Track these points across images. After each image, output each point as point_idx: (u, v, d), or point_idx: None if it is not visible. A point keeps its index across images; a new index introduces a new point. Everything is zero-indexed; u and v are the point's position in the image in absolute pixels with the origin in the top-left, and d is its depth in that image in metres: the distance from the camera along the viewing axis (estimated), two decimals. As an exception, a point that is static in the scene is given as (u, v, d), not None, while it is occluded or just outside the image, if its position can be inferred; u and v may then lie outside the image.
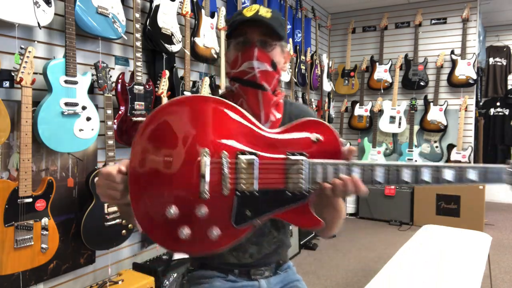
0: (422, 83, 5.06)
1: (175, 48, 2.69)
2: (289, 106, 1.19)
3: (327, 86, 5.26)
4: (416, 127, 5.10)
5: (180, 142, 0.90)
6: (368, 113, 5.38)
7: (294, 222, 0.95)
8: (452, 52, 4.90)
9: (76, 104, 2.04)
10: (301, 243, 3.93)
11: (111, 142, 2.20)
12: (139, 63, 2.40)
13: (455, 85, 4.89)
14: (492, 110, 6.21)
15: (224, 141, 0.91)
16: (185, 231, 0.89)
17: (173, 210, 0.88)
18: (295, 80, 4.47)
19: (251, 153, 0.92)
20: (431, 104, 4.99)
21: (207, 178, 0.87)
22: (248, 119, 0.95)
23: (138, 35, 2.42)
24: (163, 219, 0.89)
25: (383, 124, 5.20)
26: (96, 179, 1.06)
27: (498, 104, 6.18)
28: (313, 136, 0.94)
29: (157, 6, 2.57)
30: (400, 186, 4.88)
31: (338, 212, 1.05)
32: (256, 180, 0.90)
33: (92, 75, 2.15)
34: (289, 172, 0.91)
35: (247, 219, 0.91)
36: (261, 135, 0.94)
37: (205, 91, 2.91)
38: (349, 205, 5.27)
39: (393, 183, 0.90)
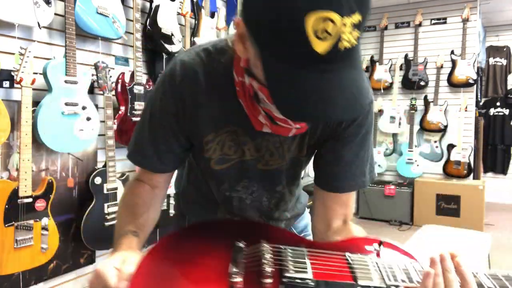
0: (422, 83, 5.05)
1: (175, 48, 2.69)
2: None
3: (327, 86, 5.24)
4: (416, 127, 5.09)
5: None
6: (368, 113, 5.37)
7: None
8: (452, 52, 4.90)
9: (76, 104, 2.04)
10: (301, 243, 3.92)
11: (111, 142, 2.20)
12: (139, 63, 2.40)
13: (455, 85, 4.89)
14: (492, 110, 6.20)
15: None
16: None
17: None
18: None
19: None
20: (431, 104, 4.98)
21: None
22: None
23: (138, 35, 2.42)
24: None
25: (383, 124, 5.20)
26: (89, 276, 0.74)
27: (498, 104, 6.17)
28: (374, 246, 0.80)
29: (157, 6, 2.57)
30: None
31: None
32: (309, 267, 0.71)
33: (92, 75, 2.14)
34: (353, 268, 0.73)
35: None
36: None
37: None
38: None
39: None
